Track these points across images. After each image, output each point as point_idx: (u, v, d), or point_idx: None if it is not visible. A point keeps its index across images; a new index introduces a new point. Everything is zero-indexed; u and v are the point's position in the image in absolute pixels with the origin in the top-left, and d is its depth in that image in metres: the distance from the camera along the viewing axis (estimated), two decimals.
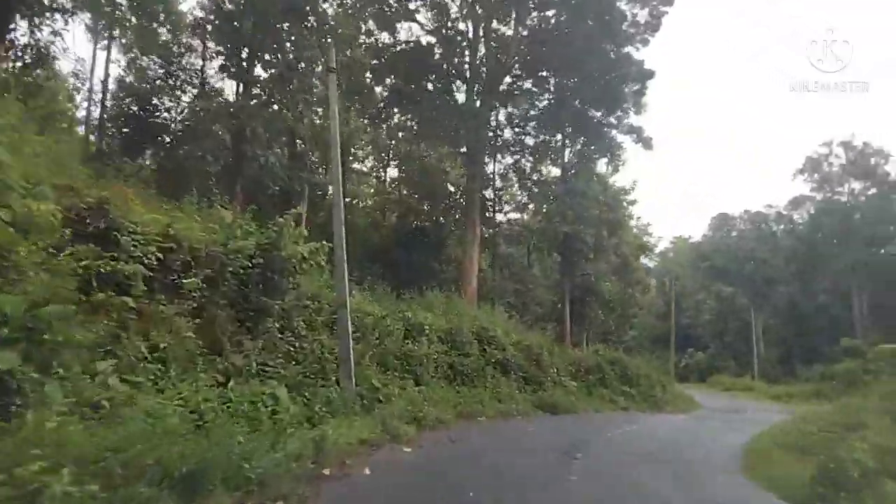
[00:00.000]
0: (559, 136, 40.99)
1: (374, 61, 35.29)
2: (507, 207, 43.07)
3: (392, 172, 45.21)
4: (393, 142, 41.65)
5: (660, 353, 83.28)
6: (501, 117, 40.42)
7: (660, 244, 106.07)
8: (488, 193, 40.33)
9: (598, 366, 27.16)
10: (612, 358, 28.54)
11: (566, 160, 40.33)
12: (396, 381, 16.42)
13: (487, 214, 40.14)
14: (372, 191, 45.83)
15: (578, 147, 40.33)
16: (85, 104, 30.24)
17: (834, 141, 69.78)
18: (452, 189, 38.04)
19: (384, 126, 40.53)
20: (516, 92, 38.03)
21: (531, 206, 41.02)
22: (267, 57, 27.98)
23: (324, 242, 15.06)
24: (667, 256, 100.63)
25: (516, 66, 36.47)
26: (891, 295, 73.72)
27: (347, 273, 14.93)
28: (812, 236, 74.70)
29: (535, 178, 40.76)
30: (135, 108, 29.03)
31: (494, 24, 35.31)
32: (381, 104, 37.22)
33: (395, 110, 38.57)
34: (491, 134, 37.91)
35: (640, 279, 45.22)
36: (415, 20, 34.94)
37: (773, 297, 77.09)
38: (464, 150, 35.85)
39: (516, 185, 41.66)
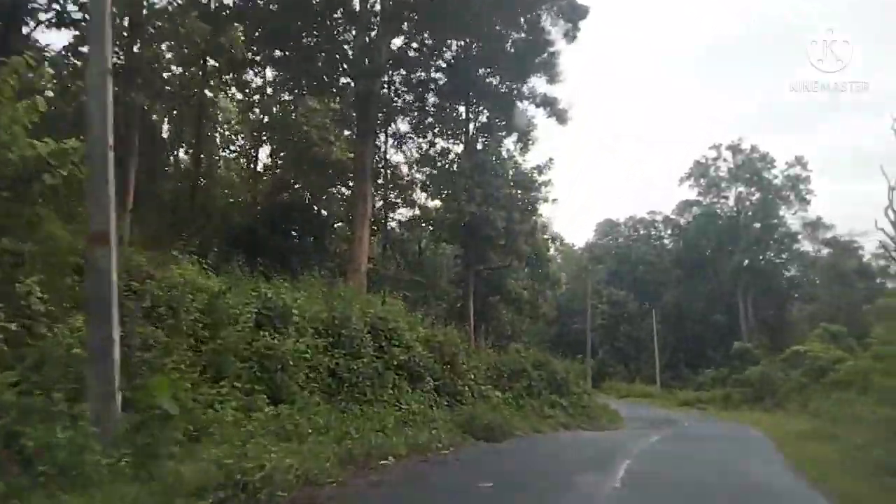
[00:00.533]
0: (462, 109, 35.22)
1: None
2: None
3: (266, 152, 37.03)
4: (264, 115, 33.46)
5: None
6: (397, 81, 33.92)
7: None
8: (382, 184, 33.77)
9: (523, 370, 21.14)
10: (537, 360, 22.62)
11: (471, 134, 34.49)
12: (235, 399, 9.21)
13: (382, 193, 33.39)
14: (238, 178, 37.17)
15: (484, 119, 34.67)
16: None
17: (723, 144, 69.63)
18: (339, 159, 30.72)
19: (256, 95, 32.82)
20: (411, 52, 31.79)
21: (429, 185, 34.55)
22: None
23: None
24: (555, 262, 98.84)
25: (413, 15, 30.06)
26: (772, 300, 75.15)
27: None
28: (697, 241, 74.47)
29: (436, 150, 34.56)
30: None
31: None
32: (251, 55, 29.29)
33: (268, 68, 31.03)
34: (385, 91, 31.24)
35: (553, 274, 40.20)
36: None
37: (662, 302, 76.06)
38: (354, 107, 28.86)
39: (414, 160, 35.16)
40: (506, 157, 33.98)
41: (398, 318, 16.72)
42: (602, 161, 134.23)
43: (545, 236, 35.04)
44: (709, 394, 44.75)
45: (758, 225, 70.11)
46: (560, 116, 32.74)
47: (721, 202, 72.23)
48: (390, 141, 35.65)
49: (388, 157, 35.61)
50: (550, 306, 46.20)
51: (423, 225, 34.93)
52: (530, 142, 34.39)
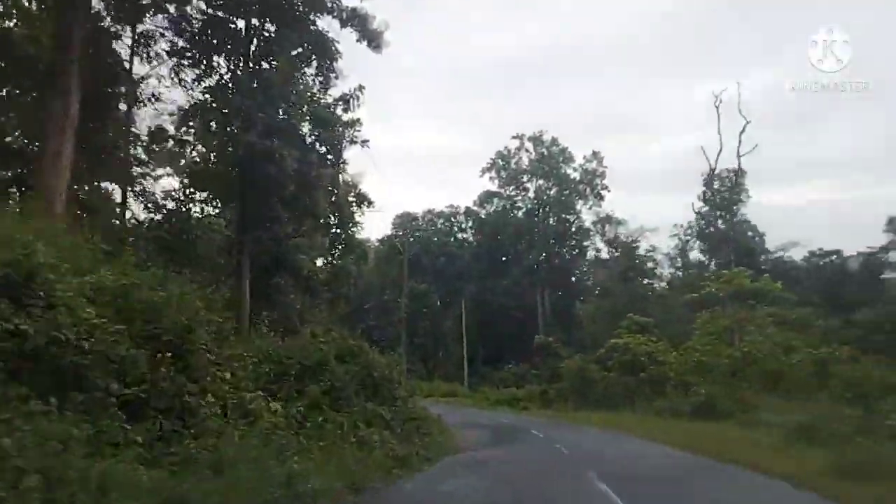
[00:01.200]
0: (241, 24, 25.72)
1: None
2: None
3: None
4: None
5: None
6: None
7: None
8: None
9: (321, 365, 12.79)
10: (344, 349, 14.32)
11: (252, 51, 25.17)
12: None
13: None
14: None
15: (269, 35, 25.56)
16: None
17: (526, 135, 67.52)
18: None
19: None
20: None
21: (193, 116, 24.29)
22: None
23: None
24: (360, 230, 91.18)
25: None
26: (567, 296, 75.12)
27: None
28: (497, 234, 71.88)
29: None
30: None
31: None
32: None
33: None
34: None
35: (359, 247, 31.72)
36: None
37: (463, 296, 72.15)
38: None
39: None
40: (302, 88, 25.21)
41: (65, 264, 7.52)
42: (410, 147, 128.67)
43: (350, 197, 26.84)
44: (524, 391, 40.14)
45: (553, 221, 69.33)
46: (373, 39, 24.92)
47: (522, 195, 70.20)
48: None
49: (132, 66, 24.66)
50: (355, 288, 38.07)
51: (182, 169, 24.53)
52: (334, 75, 26.01)
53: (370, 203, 26.84)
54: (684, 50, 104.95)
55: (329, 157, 23.40)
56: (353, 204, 26.82)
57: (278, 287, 27.66)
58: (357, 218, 27.41)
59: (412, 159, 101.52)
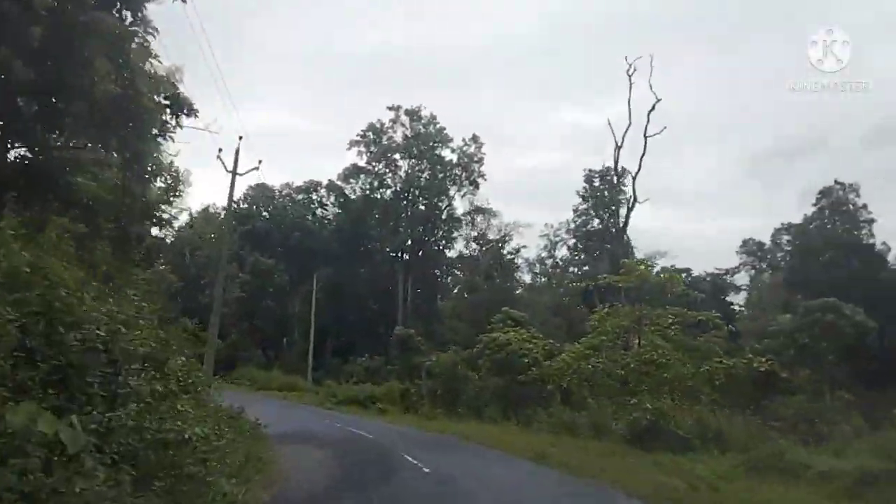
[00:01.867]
0: None
1: None
2: None
3: None
4: None
5: None
6: None
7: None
8: None
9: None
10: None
11: None
12: None
13: None
14: None
15: None
16: None
17: (402, 107, 60.65)
18: None
19: None
20: None
21: None
22: None
23: None
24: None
25: None
26: (429, 287, 69.21)
27: None
28: (361, 214, 64.33)
29: None
30: None
31: None
32: None
33: None
34: None
35: (171, 168, 22.60)
36: None
37: (317, 277, 63.67)
38: None
39: None
40: None
41: None
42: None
43: (159, 94, 18.10)
44: (383, 389, 33.03)
45: (423, 205, 63.15)
46: None
47: (391, 174, 63.17)
48: None
49: None
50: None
51: None
52: None
53: (191, 111, 18.25)
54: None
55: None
56: (165, 106, 18.12)
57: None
58: (170, 129, 18.63)
59: (275, 144, 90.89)
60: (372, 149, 62.73)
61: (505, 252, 60.55)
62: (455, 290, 68.44)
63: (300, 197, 62.44)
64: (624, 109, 45.76)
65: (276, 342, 56.96)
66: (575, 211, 55.63)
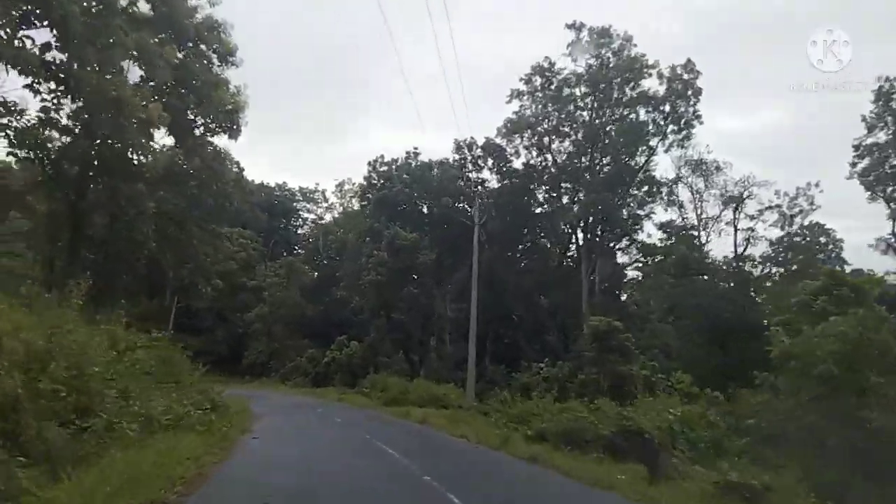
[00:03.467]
0: None
1: None
2: None
3: None
4: None
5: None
6: None
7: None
8: None
9: None
10: None
11: None
12: None
13: None
14: None
15: None
16: None
17: (586, 26, 44.06)
18: None
19: None
20: None
21: None
22: None
23: None
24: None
25: None
26: (613, 278, 52.27)
27: None
28: (529, 179, 48.84)
29: None
30: None
31: None
32: None
33: None
34: None
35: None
36: None
37: (469, 262, 48.97)
38: None
39: None
40: None
41: None
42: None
43: None
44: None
45: (609, 165, 45.98)
46: None
47: (569, 124, 46.76)
48: None
49: None
50: None
51: None
52: None
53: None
54: None
55: None
56: None
57: None
58: None
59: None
60: (540, 94, 46.93)
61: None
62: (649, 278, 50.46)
63: (453, 157, 48.09)
64: None
65: (422, 343, 42.81)
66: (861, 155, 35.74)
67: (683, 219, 45.85)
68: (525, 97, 47.37)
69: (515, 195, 49.00)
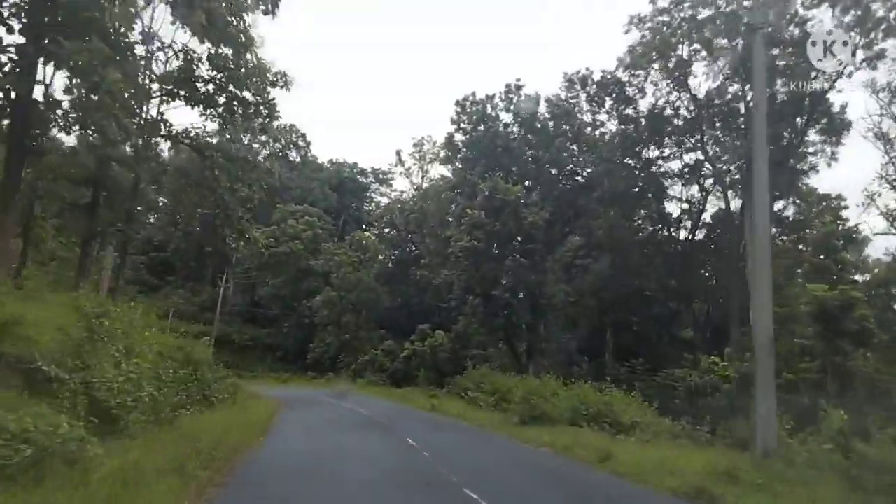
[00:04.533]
0: None
1: None
2: None
3: None
4: None
5: None
6: None
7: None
8: None
9: None
10: None
11: None
12: None
13: None
14: None
15: None
16: None
17: None
18: None
19: None
20: None
21: None
22: None
23: None
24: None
25: None
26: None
27: None
28: (658, 119, 37.58)
29: None
30: None
31: None
32: None
33: None
34: None
35: None
36: None
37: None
38: None
39: None
40: None
41: None
42: None
43: None
44: None
45: (785, 90, 33.89)
46: None
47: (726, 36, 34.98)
48: None
49: None
50: None
51: None
52: None
53: None
54: None
55: None
56: None
57: None
58: None
59: None
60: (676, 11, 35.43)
61: None
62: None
63: (564, 95, 37.10)
64: None
65: (530, 329, 32.27)
66: None
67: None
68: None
69: (640, 144, 37.93)
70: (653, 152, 39.24)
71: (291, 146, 66.44)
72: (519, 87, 36.25)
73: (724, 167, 37.40)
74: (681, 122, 37.93)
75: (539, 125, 35.51)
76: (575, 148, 35.63)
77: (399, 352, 43.05)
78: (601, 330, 38.46)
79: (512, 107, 36.29)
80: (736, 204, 36.93)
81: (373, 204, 74.07)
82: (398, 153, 57.57)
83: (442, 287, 40.04)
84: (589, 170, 36.67)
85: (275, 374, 48.96)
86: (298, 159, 67.78)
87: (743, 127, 34.18)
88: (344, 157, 76.00)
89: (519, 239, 31.31)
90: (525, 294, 30.84)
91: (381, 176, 75.31)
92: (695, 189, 40.90)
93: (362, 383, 38.74)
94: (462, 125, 36.65)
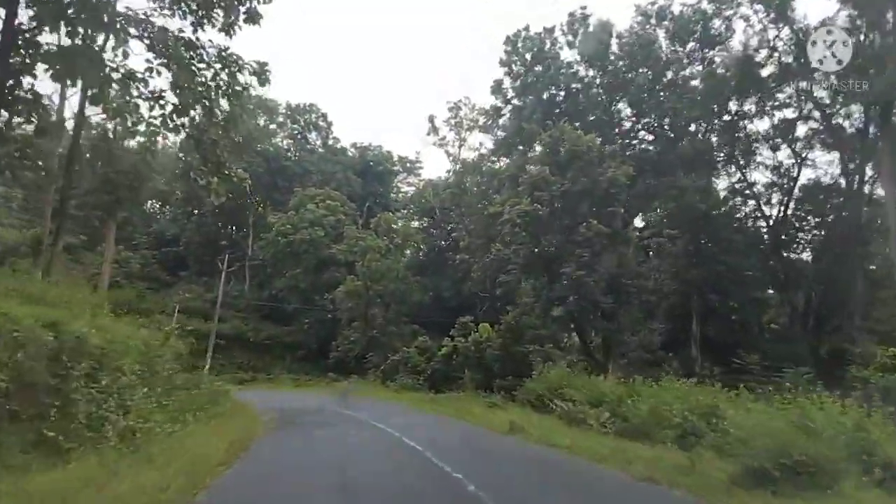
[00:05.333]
0: None
1: None
2: None
3: None
4: None
5: None
6: None
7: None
8: None
9: None
10: None
11: None
12: None
13: None
14: None
15: None
16: None
17: None
18: None
19: None
20: None
21: None
22: None
23: None
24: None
25: None
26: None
27: None
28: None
29: None
30: None
31: None
32: None
33: None
34: None
35: None
36: None
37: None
38: None
39: None
40: None
41: None
42: None
43: None
44: None
45: None
46: None
47: None
48: None
49: None
50: None
51: None
52: None
53: None
54: None
55: None
56: None
57: None
58: None
59: None
60: None
61: None
62: None
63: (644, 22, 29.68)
64: None
65: (608, 317, 25.08)
66: None
67: None
68: None
69: (727, 96, 30.64)
70: (743, 106, 32.00)
71: (311, 127, 60.21)
72: (585, 18, 29.13)
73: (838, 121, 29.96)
74: (777, 69, 30.61)
75: (610, 66, 28.36)
76: (660, 94, 28.41)
77: (436, 350, 36.33)
78: (684, 318, 31.17)
79: (577, 42, 29.17)
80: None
81: (400, 194, 67.56)
82: (431, 120, 50.51)
83: (487, 270, 33.13)
84: (668, 121, 29.43)
85: (294, 375, 42.57)
86: (319, 141, 61.53)
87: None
88: (369, 141, 69.54)
89: (595, 206, 24.24)
90: (604, 272, 23.73)
91: (408, 165, 68.89)
92: (784, 154, 33.49)
93: (394, 387, 31.99)
94: (513, 66, 29.63)
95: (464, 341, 34.01)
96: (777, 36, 30.36)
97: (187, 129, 12.42)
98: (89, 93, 12.59)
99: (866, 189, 30.46)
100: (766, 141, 33.79)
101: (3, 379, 6.35)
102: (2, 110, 10.74)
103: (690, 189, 29.78)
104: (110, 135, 46.82)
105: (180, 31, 12.05)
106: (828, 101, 29.82)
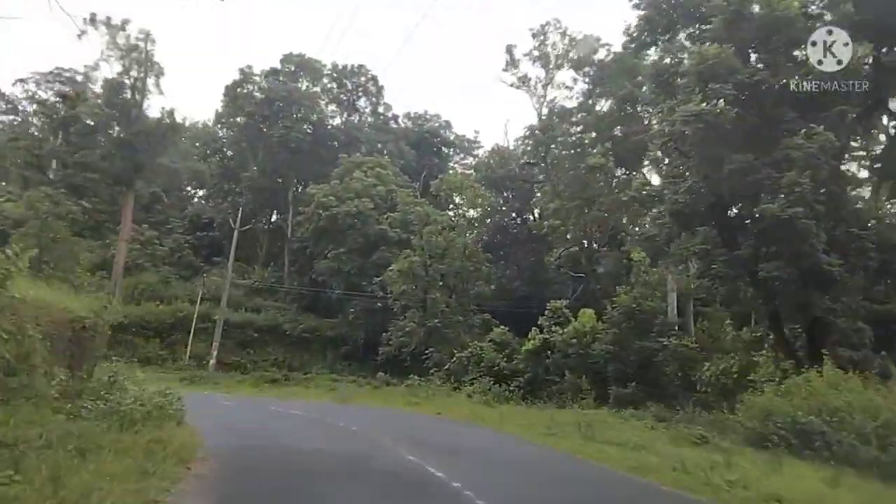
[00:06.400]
0: None
1: None
2: None
3: None
4: None
5: None
6: None
7: None
8: None
9: None
10: None
11: None
12: None
13: None
14: None
15: None
16: None
17: None
18: None
19: None
20: None
21: None
22: None
23: None
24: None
25: None
26: None
27: None
28: None
29: None
30: None
31: None
32: None
33: None
34: None
35: None
36: None
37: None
38: None
39: None
40: None
41: None
42: None
43: None
44: None
45: None
46: None
47: None
48: None
49: None
50: None
51: None
52: None
53: None
54: None
55: None
56: None
57: None
58: None
59: None
60: None
61: None
62: None
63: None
64: None
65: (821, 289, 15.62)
66: None
67: None
68: None
69: None
70: None
71: (360, 91, 52.24)
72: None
73: None
74: None
75: None
76: None
77: (517, 345, 27.38)
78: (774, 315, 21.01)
79: None
80: None
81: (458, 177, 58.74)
82: (510, 51, 40.04)
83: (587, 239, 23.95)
84: None
85: (335, 376, 34.21)
86: (368, 109, 53.51)
87: None
88: (425, 110, 60.82)
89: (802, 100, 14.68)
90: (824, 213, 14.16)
91: (465, 144, 60.15)
92: None
93: (478, 396, 22.95)
94: None
95: (560, 332, 24.92)
96: None
97: None
98: None
99: None
100: None
101: None
102: None
103: None
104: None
105: None
106: None
